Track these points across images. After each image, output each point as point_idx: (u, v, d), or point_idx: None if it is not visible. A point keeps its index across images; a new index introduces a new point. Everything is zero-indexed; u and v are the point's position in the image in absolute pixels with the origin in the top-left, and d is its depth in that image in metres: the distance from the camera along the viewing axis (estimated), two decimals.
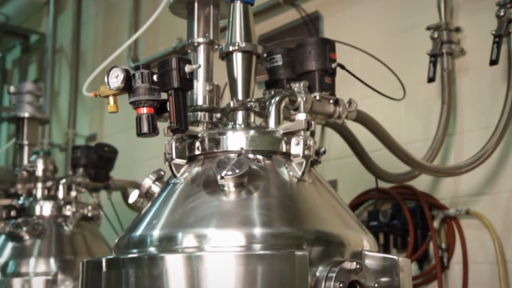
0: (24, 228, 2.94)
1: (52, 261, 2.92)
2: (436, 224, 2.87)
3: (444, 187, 2.94)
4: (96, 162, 3.31)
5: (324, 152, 1.81)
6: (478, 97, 2.88)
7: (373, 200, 3.10)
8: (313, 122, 1.76)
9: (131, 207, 3.60)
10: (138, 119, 1.65)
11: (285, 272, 1.45)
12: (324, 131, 3.21)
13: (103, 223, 3.46)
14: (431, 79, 2.89)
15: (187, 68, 1.63)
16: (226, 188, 1.61)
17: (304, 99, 1.86)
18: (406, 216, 2.90)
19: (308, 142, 1.70)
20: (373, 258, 1.61)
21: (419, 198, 2.91)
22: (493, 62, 2.56)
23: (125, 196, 3.65)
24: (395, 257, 1.60)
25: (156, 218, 1.63)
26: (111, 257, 1.60)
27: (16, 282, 2.80)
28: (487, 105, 2.83)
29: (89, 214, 3.19)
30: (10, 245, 2.96)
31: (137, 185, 1.92)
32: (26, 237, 2.95)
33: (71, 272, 2.88)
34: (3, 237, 3.01)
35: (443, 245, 2.86)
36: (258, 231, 1.53)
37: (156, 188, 1.75)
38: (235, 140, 1.71)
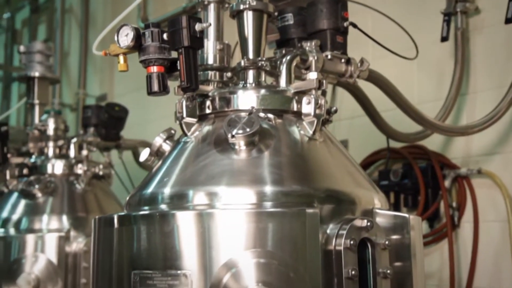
0: (37, 186, 2.96)
1: (64, 218, 2.95)
2: (447, 183, 2.87)
3: (456, 146, 2.93)
4: (107, 122, 3.31)
5: (336, 111, 1.80)
6: (492, 56, 2.84)
7: (384, 160, 3.09)
8: (324, 81, 1.75)
9: (142, 166, 3.62)
10: (149, 78, 1.64)
11: (296, 229, 1.46)
12: (336, 90, 3.19)
13: (114, 183, 3.48)
14: (444, 38, 2.85)
15: (197, 27, 1.62)
16: (237, 147, 1.61)
17: (316, 58, 1.84)
18: (417, 176, 2.91)
19: (319, 101, 1.69)
20: (384, 216, 1.62)
21: (430, 157, 2.91)
22: (509, 20, 2.51)
23: (136, 156, 3.67)
24: (406, 215, 1.61)
25: (167, 176, 1.64)
26: (122, 213, 1.61)
27: (30, 238, 2.83)
28: (501, 65, 2.79)
29: (101, 173, 3.21)
30: (23, 202, 3.00)
31: (147, 145, 1.93)
32: (39, 194, 2.98)
33: (84, 229, 2.91)
34: (16, 194, 3.04)
35: (454, 204, 2.86)
36: (269, 189, 1.53)
37: (167, 147, 1.76)
38: (246, 99, 1.71)
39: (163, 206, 1.58)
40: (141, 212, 1.58)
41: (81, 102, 4.93)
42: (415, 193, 2.95)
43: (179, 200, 1.56)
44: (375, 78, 2.27)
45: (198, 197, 1.54)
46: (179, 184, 1.59)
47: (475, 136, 2.74)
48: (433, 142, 2.93)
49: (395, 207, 2.99)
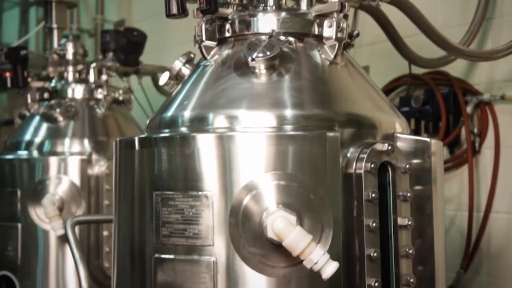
0: (58, 110, 2.99)
1: (86, 141, 2.99)
2: (469, 109, 2.84)
3: (479, 73, 2.88)
4: (126, 47, 3.29)
5: (358, 35, 1.77)
6: None
7: (405, 86, 3.06)
8: (346, 4, 1.70)
9: (161, 92, 3.63)
10: (167, 0, 1.61)
11: (316, 152, 1.47)
12: (357, 15, 3.12)
13: (134, 108, 3.49)
14: None
15: None
16: (257, 70, 1.59)
17: None
18: (439, 102, 2.88)
19: (341, 24, 1.66)
20: (405, 140, 1.61)
21: (452, 83, 2.87)
22: None
23: (155, 81, 3.66)
24: (427, 139, 1.60)
25: (187, 99, 1.63)
26: (143, 136, 1.62)
27: (53, 161, 2.88)
28: None
29: (120, 98, 3.22)
30: (44, 125, 3.03)
31: (167, 70, 1.93)
32: (60, 118, 3.01)
33: (105, 153, 2.95)
34: (37, 118, 3.07)
35: (475, 130, 2.84)
36: (289, 112, 1.53)
37: (186, 71, 1.74)
38: (266, 22, 1.68)
39: (183, 129, 1.58)
40: (162, 135, 1.58)
41: (99, 27, 4.89)
42: (436, 120, 2.93)
43: (199, 123, 1.56)
44: (398, 1, 2.21)
45: (218, 120, 1.54)
46: (199, 107, 1.59)
47: (499, 61, 2.69)
48: (456, 68, 2.88)
49: (416, 133, 2.98)
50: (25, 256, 2.82)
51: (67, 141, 2.97)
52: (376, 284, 1.49)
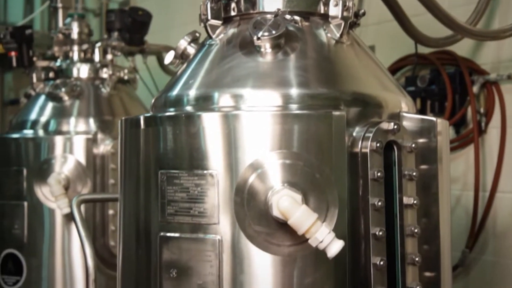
0: (63, 89, 2.99)
1: (91, 121, 2.99)
2: (475, 89, 2.83)
3: (486, 52, 2.86)
4: (131, 26, 3.28)
5: (364, 14, 1.75)
6: None
7: (411, 65, 3.04)
8: None
9: (167, 71, 3.62)
10: None
11: (321, 131, 1.46)
12: None
13: (139, 88, 3.49)
14: None
15: None
16: (262, 49, 1.59)
17: None
18: (445, 81, 2.87)
19: (347, 3, 1.65)
20: (411, 120, 1.60)
21: (459, 63, 2.86)
22: None
23: (160, 61, 3.66)
24: (433, 118, 1.59)
25: (192, 78, 1.63)
26: (148, 115, 1.62)
27: (58, 140, 2.89)
28: None
29: (126, 77, 3.22)
30: (50, 105, 3.04)
31: (172, 49, 1.92)
32: (65, 97, 3.01)
33: (110, 132, 2.96)
34: (43, 97, 3.08)
35: (482, 110, 2.84)
36: (294, 91, 1.52)
37: (191, 50, 1.74)
38: (272, 0, 1.66)
39: (189, 108, 1.58)
40: (167, 114, 1.58)
41: (104, 7, 4.87)
42: (442, 99, 2.92)
43: (205, 102, 1.56)
44: None
45: (224, 99, 1.54)
46: (204, 86, 1.59)
47: (506, 41, 2.67)
48: (462, 48, 2.86)
49: (422, 113, 2.96)
50: (31, 234, 2.84)
51: (72, 120, 2.98)
52: (381, 263, 1.50)
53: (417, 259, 1.57)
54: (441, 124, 1.60)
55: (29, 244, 2.85)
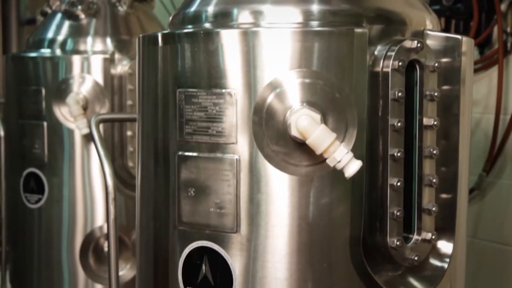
0: (79, 7, 2.94)
1: (108, 40, 2.95)
2: (503, 7, 2.73)
3: None
4: None
5: None
6: None
7: None
8: None
9: None
10: None
11: (343, 49, 1.43)
12: None
13: (156, 7, 3.43)
14: None
15: None
16: None
17: None
18: None
19: None
20: (435, 38, 1.56)
21: None
22: None
23: None
24: (459, 37, 1.54)
25: None
26: (166, 31, 1.59)
27: (76, 59, 2.87)
28: None
29: None
30: (66, 23, 2.99)
31: None
32: (82, 15, 2.96)
33: (127, 52, 2.92)
34: (59, 15, 3.03)
35: (508, 29, 2.75)
36: (316, 7, 1.47)
37: None
38: None
39: (207, 25, 1.54)
40: (185, 30, 1.55)
41: None
42: (468, 18, 2.84)
43: (223, 19, 1.52)
44: None
45: (243, 16, 1.50)
46: (223, 2, 1.55)
47: None
48: None
49: (446, 32, 2.90)
50: (52, 154, 2.87)
51: (89, 39, 2.94)
52: (399, 184, 1.49)
53: (434, 180, 1.56)
54: (466, 43, 1.56)
55: (50, 163, 2.88)
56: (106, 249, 2.91)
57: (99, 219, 2.89)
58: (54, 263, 2.91)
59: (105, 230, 2.87)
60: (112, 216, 1.82)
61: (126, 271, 2.94)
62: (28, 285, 3.01)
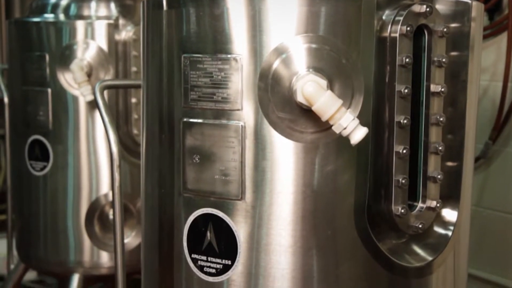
0: None
1: (112, 5, 2.92)
2: None
3: None
4: None
5: None
6: None
7: None
8: None
9: None
10: None
11: (350, 14, 1.40)
12: None
13: None
14: None
15: None
16: None
17: None
18: None
19: None
20: (444, 2, 1.53)
21: None
22: None
23: None
24: (469, 1, 1.52)
25: None
26: None
27: (80, 25, 2.84)
28: None
29: None
30: None
31: None
32: None
33: (132, 18, 2.89)
34: None
35: None
36: None
37: None
38: None
39: None
40: None
41: None
42: None
43: None
44: None
45: None
46: None
47: None
48: None
49: None
50: (56, 121, 2.86)
51: (93, 4, 2.91)
52: (404, 151, 1.48)
53: (440, 148, 1.55)
54: (476, 8, 1.53)
55: (55, 130, 2.87)
56: (111, 216, 2.92)
57: (104, 187, 2.89)
58: (59, 231, 2.93)
59: (110, 197, 2.88)
60: (117, 184, 1.82)
61: (131, 239, 2.96)
62: (34, 253, 3.03)
